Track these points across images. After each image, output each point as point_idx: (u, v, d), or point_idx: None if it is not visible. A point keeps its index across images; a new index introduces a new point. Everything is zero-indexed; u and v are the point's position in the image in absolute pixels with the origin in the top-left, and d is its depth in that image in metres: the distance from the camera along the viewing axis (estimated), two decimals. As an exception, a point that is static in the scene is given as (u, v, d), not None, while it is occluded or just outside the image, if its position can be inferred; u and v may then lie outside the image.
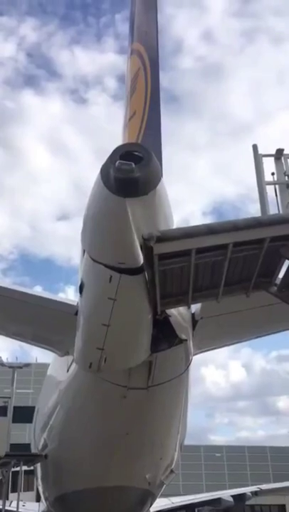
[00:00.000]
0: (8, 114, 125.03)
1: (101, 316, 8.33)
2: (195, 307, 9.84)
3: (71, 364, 10.84)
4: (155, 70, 10.95)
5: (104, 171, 7.07)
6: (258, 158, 8.48)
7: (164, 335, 9.17)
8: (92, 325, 8.78)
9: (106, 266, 7.69)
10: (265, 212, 8.21)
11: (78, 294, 9.23)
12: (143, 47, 11.67)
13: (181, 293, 8.36)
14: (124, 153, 7.01)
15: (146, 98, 10.70)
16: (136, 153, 7.06)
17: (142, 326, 8.78)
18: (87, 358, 9.30)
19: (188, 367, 10.30)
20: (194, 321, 9.96)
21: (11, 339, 12.71)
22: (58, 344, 11.29)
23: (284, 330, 11.72)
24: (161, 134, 10.10)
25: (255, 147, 8.55)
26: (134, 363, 9.42)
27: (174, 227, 8.19)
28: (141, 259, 7.67)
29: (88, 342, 9.14)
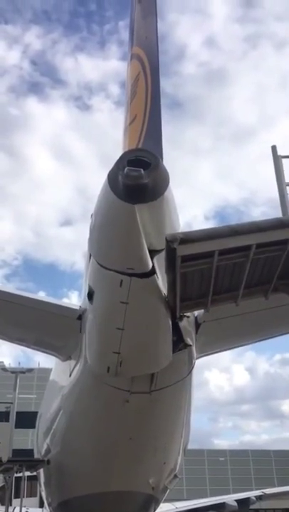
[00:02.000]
0: (13, 121, 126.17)
1: (115, 321, 8.35)
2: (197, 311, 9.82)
3: (73, 369, 10.82)
4: (155, 74, 10.96)
5: (112, 178, 7.08)
6: (277, 159, 8.46)
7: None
8: (107, 330, 8.77)
9: (116, 272, 7.72)
10: (286, 213, 8.20)
11: (84, 299, 9.24)
12: (143, 51, 11.69)
13: (201, 296, 8.32)
14: (131, 160, 7.02)
15: (147, 102, 10.71)
16: (143, 158, 7.07)
17: (158, 329, 8.74)
18: (104, 362, 9.24)
19: (191, 371, 10.28)
20: (197, 324, 9.94)
21: (13, 344, 12.68)
22: (60, 349, 11.27)
23: (287, 333, 11.68)
24: (162, 138, 10.09)
25: (274, 148, 8.56)
26: (155, 367, 9.34)
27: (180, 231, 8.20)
28: (150, 264, 7.73)
29: (104, 346, 9.13)
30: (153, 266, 7.85)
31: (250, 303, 8.67)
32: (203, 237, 7.40)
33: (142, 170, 6.88)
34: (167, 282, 7.95)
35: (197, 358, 10.37)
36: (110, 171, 7.16)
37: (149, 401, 9.92)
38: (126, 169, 6.89)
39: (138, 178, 6.87)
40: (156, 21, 11.58)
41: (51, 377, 15.53)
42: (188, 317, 9.21)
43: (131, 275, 7.75)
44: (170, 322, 8.70)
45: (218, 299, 8.44)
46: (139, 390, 9.76)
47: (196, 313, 9.88)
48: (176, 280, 7.68)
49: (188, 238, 7.27)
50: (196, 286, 8.13)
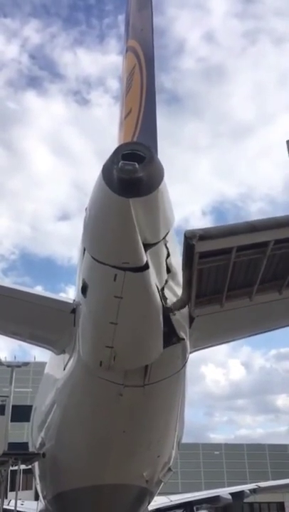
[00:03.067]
0: (11, 115, 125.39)
1: (108, 315, 8.37)
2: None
3: (68, 362, 10.82)
4: (150, 67, 10.90)
5: (107, 172, 7.03)
6: None
7: (164, 333, 9.12)
8: (100, 324, 8.78)
9: (110, 266, 7.72)
10: None
11: (78, 293, 9.22)
12: (138, 44, 11.63)
13: (215, 292, 8.34)
14: (126, 153, 6.98)
15: (142, 95, 10.65)
16: (138, 152, 7.03)
17: (150, 323, 8.77)
18: (97, 356, 9.29)
19: (184, 365, 10.29)
20: (191, 318, 9.95)
21: (9, 338, 12.66)
22: (54, 342, 11.26)
23: (281, 327, 11.71)
24: (156, 131, 10.06)
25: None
26: (146, 361, 9.41)
27: (174, 225, 8.21)
28: (144, 258, 7.70)
29: (97, 340, 9.14)
30: (147, 260, 7.84)
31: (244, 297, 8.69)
32: (222, 233, 7.42)
33: (136, 164, 6.83)
34: (183, 279, 7.95)
35: (191, 352, 10.38)
36: (104, 165, 7.11)
37: (143, 394, 9.94)
38: (120, 163, 6.84)
39: (132, 172, 6.83)
40: (152, 14, 11.53)
41: (46, 370, 15.56)
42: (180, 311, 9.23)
43: (125, 269, 7.73)
44: (162, 316, 8.72)
45: (232, 295, 8.47)
46: (132, 383, 9.78)
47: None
48: (193, 276, 7.68)
49: (207, 235, 7.27)
50: (211, 283, 8.16)
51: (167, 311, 8.78)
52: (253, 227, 7.44)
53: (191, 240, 7.16)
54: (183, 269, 7.71)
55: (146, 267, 7.85)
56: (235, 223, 7.70)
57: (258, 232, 7.43)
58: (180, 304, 8.82)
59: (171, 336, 9.30)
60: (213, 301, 8.58)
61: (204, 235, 7.21)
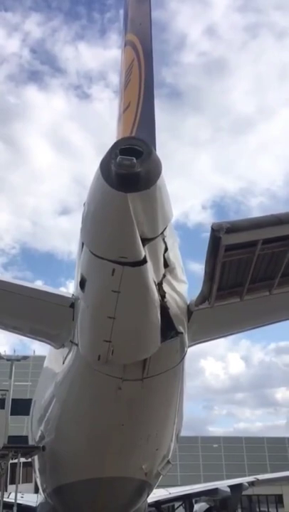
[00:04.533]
0: (12, 110, 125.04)
1: (106, 309, 8.42)
2: (189, 298, 9.86)
3: (67, 356, 10.87)
4: (149, 61, 10.87)
5: (105, 166, 7.05)
6: None
7: (162, 327, 9.15)
8: (98, 318, 8.84)
9: (108, 260, 7.75)
10: None
11: (77, 287, 9.26)
12: (137, 38, 11.58)
13: (236, 285, 8.38)
14: (124, 148, 6.99)
15: (141, 89, 10.63)
16: (136, 147, 7.04)
17: (148, 318, 8.80)
18: (95, 350, 9.34)
19: (183, 358, 10.34)
20: (189, 312, 9.99)
21: (9, 332, 12.70)
22: (54, 337, 11.29)
23: (279, 321, 11.74)
24: (155, 125, 10.05)
25: None
26: (144, 354, 9.47)
27: (173, 220, 8.22)
28: (142, 253, 7.74)
29: (95, 335, 9.19)
30: (145, 254, 7.86)
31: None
32: (249, 226, 7.42)
33: (134, 159, 6.84)
34: (206, 271, 7.96)
35: (189, 346, 10.42)
36: (102, 160, 7.13)
37: (141, 388, 10.00)
38: (118, 158, 6.85)
39: (130, 167, 6.84)
40: (150, 8, 11.48)
41: (45, 364, 15.61)
42: (168, 307, 9.20)
43: (123, 264, 7.76)
44: (159, 310, 8.76)
45: (253, 288, 8.49)
46: (131, 377, 9.84)
47: (188, 301, 9.94)
48: (217, 269, 7.70)
49: (235, 227, 7.27)
50: (232, 276, 8.18)
51: (165, 305, 8.81)
52: (280, 220, 7.46)
53: (218, 233, 7.15)
54: (206, 262, 7.72)
55: (144, 261, 7.89)
56: (261, 216, 7.71)
57: (285, 225, 7.46)
58: (202, 298, 8.87)
59: (169, 330, 9.35)
60: (234, 294, 8.61)
61: (231, 228, 7.21)
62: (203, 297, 8.76)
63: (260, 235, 7.44)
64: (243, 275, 8.12)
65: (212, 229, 7.19)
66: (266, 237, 7.48)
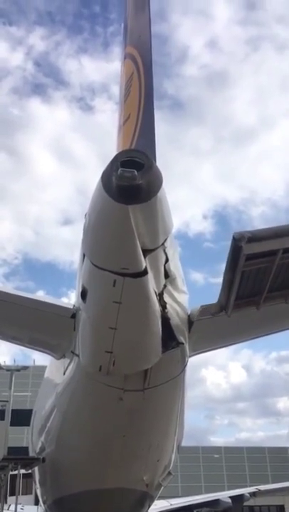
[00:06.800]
0: (16, 121, 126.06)
1: (107, 320, 8.44)
2: (190, 308, 9.87)
3: (68, 367, 10.85)
4: (149, 73, 10.99)
5: (106, 179, 7.12)
6: None
7: (163, 337, 9.16)
8: (99, 329, 8.85)
9: (109, 271, 7.79)
10: None
11: (78, 298, 9.28)
12: (136, 50, 11.71)
13: (253, 294, 8.40)
14: (125, 160, 7.06)
15: (140, 101, 10.74)
16: (137, 159, 7.12)
17: (149, 328, 8.82)
18: (97, 361, 9.35)
19: (184, 369, 10.33)
20: (190, 322, 10.00)
21: (10, 343, 12.68)
22: (55, 347, 11.29)
23: (280, 331, 11.73)
24: (155, 136, 10.14)
25: None
26: (145, 365, 9.46)
27: (174, 230, 8.26)
28: (143, 264, 7.79)
29: (96, 345, 9.21)
30: (146, 265, 7.90)
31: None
32: (270, 235, 7.48)
33: (135, 171, 6.92)
34: (225, 281, 7.99)
35: (190, 356, 10.41)
36: (104, 172, 7.20)
37: (143, 399, 9.97)
38: (119, 170, 6.93)
39: (131, 179, 6.92)
40: (150, 20, 11.61)
41: (46, 375, 15.55)
42: (169, 317, 9.21)
43: (124, 275, 7.81)
44: (160, 321, 8.78)
45: (271, 297, 8.51)
46: (132, 387, 9.82)
47: (189, 311, 9.95)
48: (236, 278, 7.73)
49: (256, 237, 7.32)
50: (250, 285, 8.21)
51: (166, 316, 8.82)
52: None
53: (240, 242, 7.19)
54: (226, 271, 7.75)
55: (145, 272, 7.93)
56: (281, 225, 7.79)
57: None
58: (219, 307, 8.88)
59: (170, 340, 9.35)
60: (251, 304, 8.63)
61: (253, 237, 7.27)
62: (221, 306, 8.74)
63: (281, 244, 7.47)
64: (260, 284, 8.13)
65: (233, 238, 7.23)
66: (285, 246, 7.52)
